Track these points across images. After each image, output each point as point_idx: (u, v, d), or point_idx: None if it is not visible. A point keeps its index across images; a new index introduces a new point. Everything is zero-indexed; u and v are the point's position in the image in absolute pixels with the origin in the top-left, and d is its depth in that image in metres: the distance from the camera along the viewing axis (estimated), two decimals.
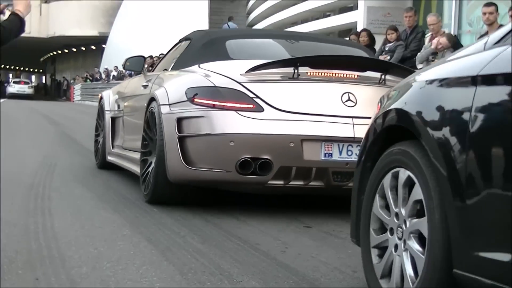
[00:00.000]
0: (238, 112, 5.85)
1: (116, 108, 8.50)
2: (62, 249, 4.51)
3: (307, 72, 6.05)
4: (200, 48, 6.94)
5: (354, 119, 5.89)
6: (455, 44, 11.32)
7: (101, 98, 9.22)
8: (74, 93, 52.87)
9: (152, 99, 6.51)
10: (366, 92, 6.06)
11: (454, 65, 3.39)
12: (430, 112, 3.23)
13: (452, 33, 15.25)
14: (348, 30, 22.54)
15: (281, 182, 5.95)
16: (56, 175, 7.95)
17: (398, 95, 3.64)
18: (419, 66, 11.41)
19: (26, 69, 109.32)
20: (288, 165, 5.85)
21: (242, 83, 5.96)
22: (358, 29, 18.20)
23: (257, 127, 5.81)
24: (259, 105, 5.87)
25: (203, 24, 37.95)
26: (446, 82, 3.25)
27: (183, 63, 6.96)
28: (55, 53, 77.70)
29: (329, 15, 26.70)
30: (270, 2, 33.04)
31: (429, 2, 17.91)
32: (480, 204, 2.85)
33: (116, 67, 40.16)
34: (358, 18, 19.74)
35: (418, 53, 11.62)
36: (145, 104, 6.76)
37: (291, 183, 5.96)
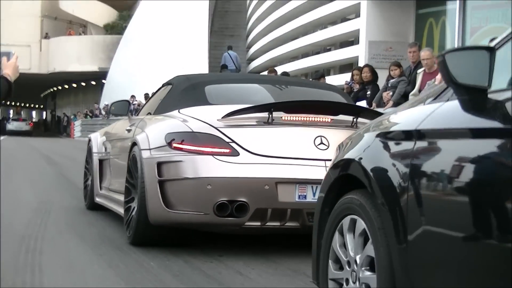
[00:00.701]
0: (215, 156, 6.18)
1: (104, 150, 8.85)
2: None
3: (281, 117, 6.40)
4: (180, 93, 7.30)
5: (326, 161, 6.20)
6: None
7: (90, 140, 9.56)
8: (74, 129, 53.23)
9: (134, 143, 6.86)
10: (338, 135, 6.38)
11: (398, 119, 3.76)
12: (376, 163, 3.58)
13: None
14: (349, 65, 22.78)
15: (258, 224, 6.28)
16: (50, 224, 8.06)
17: (350, 145, 4.00)
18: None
19: (27, 105, 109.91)
20: (264, 207, 6.17)
21: (219, 128, 6.30)
22: (360, 63, 18.48)
23: (233, 171, 6.14)
24: (235, 149, 6.20)
25: (203, 58, 38.42)
26: (391, 135, 3.60)
27: (165, 108, 7.30)
28: (55, 88, 78.21)
29: (329, 49, 26.99)
30: (269, 37, 33.44)
31: (431, 36, 18.17)
32: (424, 254, 3.14)
33: None
34: (359, 52, 19.98)
35: (422, 92, 11.86)
36: (128, 148, 7.08)
37: (267, 224, 6.28)
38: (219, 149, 6.24)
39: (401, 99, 12.87)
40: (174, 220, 6.35)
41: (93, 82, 61.76)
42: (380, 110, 13.15)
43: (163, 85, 8.26)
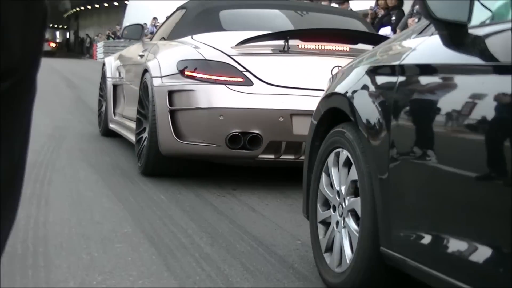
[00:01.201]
0: (228, 86, 5.94)
1: (117, 76, 8.60)
2: (50, 255, 4.06)
3: (297, 45, 6.13)
4: (194, 18, 7.01)
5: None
6: None
7: (104, 64, 9.30)
8: (97, 51, 52.96)
9: (146, 70, 6.61)
10: None
11: (386, 53, 3.66)
12: (363, 97, 3.51)
13: None
14: None
15: (272, 156, 6.07)
16: (63, 151, 7.89)
17: (341, 78, 3.92)
18: None
19: (51, 25, 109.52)
20: (278, 139, 5.95)
21: (232, 56, 6.04)
22: None
23: (246, 102, 5.90)
24: (249, 78, 5.95)
25: None
26: (377, 70, 3.52)
27: (178, 33, 7.04)
28: (78, 9, 77.73)
29: None
30: None
31: None
32: (403, 185, 3.11)
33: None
34: None
35: None
36: (140, 75, 6.85)
37: (282, 157, 6.05)
38: (233, 78, 5.98)
39: None
40: (185, 152, 6.14)
41: (116, 3, 61.29)
42: None
43: (177, 9, 7.96)
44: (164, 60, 6.43)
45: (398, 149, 3.11)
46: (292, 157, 6.10)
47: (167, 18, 8.39)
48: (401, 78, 3.15)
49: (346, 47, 6.21)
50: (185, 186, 6.21)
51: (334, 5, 16.12)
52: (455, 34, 2.88)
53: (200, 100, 5.99)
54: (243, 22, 6.94)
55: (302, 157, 6.08)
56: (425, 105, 2.98)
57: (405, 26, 13.05)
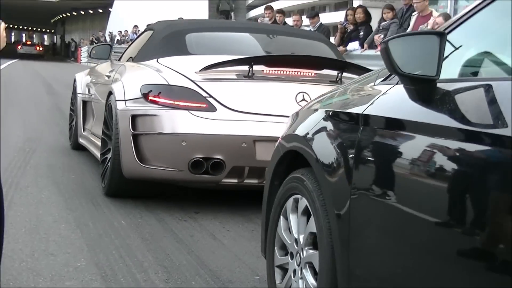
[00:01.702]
0: (191, 111, 5.54)
1: (87, 92, 8.15)
2: None
3: (262, 70, 5.74)
4: (160, 40, 6.60)
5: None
6: None
7: (75, 80, 8.85)
8: (81, 55, 52.40)
9: (111, 92, 6.17)
10: (322, 91, 5.69)
11: (348, 98, 3.28)
12: (323, 144, 3.11)
13: (448, 7, 14.79)
14: (344, 2, 22.04)
15: (235, 181, 5.69)
16: (30, 167, 7.38)
17: (300, 119, 3.53)
18: None
19: (39, 29, 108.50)
20: (241, 165, 5.56)
21: (196, 82, 5.64)
22: (354, 2, 17.77)
23: (209, 127, 5.50)
24: (212, 104, 5.55)
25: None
26: (339, 116, 3.09)
27: (144, 55, 6.63)
28: (64, 15, 77.05)
29: None
30: None
31: None
32: (364, 245, 2.73)
33: (120, 31, 39.75)
34: None
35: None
36: (106, 96, 6.43)
37: (245, 181, 5.65)
38: (196, 103, 5.58)
39: None
40: (148, 176, 5.73)
41: (100, 10, 60.74)
42: (371, 52, 12.44)
43: (145, 29, 7.53)
44: (129, 84, 6.00)
45: (360, 206, 2.72)
46: (255, 181, 5.70)
47: (137, 36, 7.95)
48: (365, 130, 2.75)
49: (311, 72, 5.83)
50: (148, 208, 5.79)
51: (304, 19, 15.82)
52: (422, 89, 2.49)
53: (163, 125, 5.58)
54: (209, 45, 6.53)
55: None
56: (390, 161, 2.58)
57: (372, 41, 12.71)
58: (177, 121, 5.54)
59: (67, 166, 7.66)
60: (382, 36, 12.45)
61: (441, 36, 2.41)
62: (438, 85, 2.43)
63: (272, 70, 5.76)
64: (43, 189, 6.38)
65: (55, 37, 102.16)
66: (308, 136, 3.23)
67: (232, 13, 30.74)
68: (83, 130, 8.14)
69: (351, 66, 5.99)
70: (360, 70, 5.95)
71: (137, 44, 7.39)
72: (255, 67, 5.68)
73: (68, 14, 74.57)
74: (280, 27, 9.04)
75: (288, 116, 5.57)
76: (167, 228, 5.27)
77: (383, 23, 12.70)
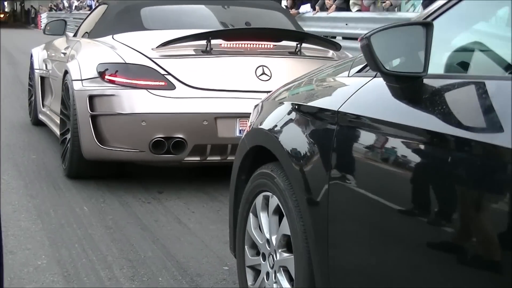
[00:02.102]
0: (149, 90, 5.10)
1: (44, 68, 7.61)
2: None
3: (220, 44, 5.30)
4: (115, 16, 6.11)
5: (269, 93, 5.15)
6: None
7: (31, 55, 8.29)
8: (41, 21, 51.02)
9: (66, 71, 5.68)
10: (281, 64, 5.34)
11: (319, 90, 2.85)
12: (293, 139, 2.71)
13: None
14: None
15: (198, 159, 5.29)
16: None
17: (266, 112, 3.09)
18: (368, 8, 10.64)
19: None
20: (203, 143, 5.17)
21: (153, 59, 5.20)
22: None
23: (168, 106, 5.08)
24: (171, 82, 5.12)
25: None
26: (311, 110, 2.67)
27: (99, 32, 6.14)
28: None
29: None
30: None
31: None
32: (343, 245, 2.39)
33: None
34: None
35: None
36: (62, 75, 5.94)
37: (208, 159, 5.26)
38: (154, 82, 5.14)
39: (343, 4, 11.75)
40: (108, 157, 5.31)
41: None
42: (323, 14, 12.04)
43: (99, 3, 7.02)
44: (84, 62, 5.52)
45: (337, 203, 2.35)
46: (218, 158, 5.32)
47: (91, 11, 7.42)
48: (341, 129, 2.36)
49: (269, 44, 5.41)
50: (110, 190, 5.38)
51: None
52: (407, 87, 2.10)
53: (121, 105, 5.14)
54: (165, 20, 6.05)
55: (229, 158, 5.33)
56: (371, 165, 2.22)
57: (323, 4, 12.30)
58: (136, 101, 5.11)
59: (27, 144, 7.18)
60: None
61: (428, 26, 2.03)
62: (425, 81, 2.05)
63: (230, 44, 5.33)
64: (3, 173, 5.90)
65: (15, 4, 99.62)
66: (276, 130, 2.83)
67: None
68: (43, 106, 7.63)
69: (309, 37, 5.58)
70: (319, 40, 5.56)
71: (92, 19, 6.87)
72: (213, 42, 5.25)
73: None
74: None
75: (249, 91, 5.20)
76: (131, 212, 4.87)
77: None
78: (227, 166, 5.60)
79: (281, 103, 2.94)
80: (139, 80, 5.13)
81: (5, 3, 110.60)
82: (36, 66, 8.00)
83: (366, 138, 2.23)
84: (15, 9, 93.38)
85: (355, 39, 11.25)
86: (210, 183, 5.63)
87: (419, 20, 2.18)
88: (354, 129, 2.31)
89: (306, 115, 2.67)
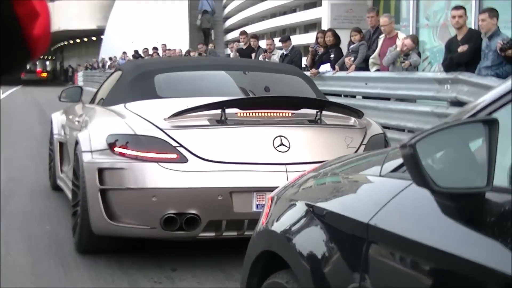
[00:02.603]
0: (160, 163, 4.49)
1: (63, 133, 7.05)
2: None
3: (236, 113, 4.70)
4: (128, 83, 5.55)
5: (287, 165, 4.53)
6: (417, 44, 10.05)
7: (51, 120, 7.76)
8: (78, 79, 51.40)
9: (77, 142, 5.10)
10: (301, 134, 4.72)
11: (341, 189, 2.22)
12: (313, 250, 2.08)
13: (410, 27, 13.85)
14: (314, 24, 20.99)
15: (213, 234, 4.63)
16: (5, 217, 6.16)
17: (278, 210, 2.45)
18: (387, 68, 10.08)
19: (41, 57, 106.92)
20: (218, 219, 4.54)
21: (165, 130, 4.60)
22: (323, 24, 16.81)
23: (181, 180, 4.46)
24: (183, 155, 4.51)
25: (184, 19, 36.04)
26: (332, 217, 2.05)
27: (112, 99, 5.58)
28: (62, 44, 75.94)
29: (295, 10, 24.99)
30: None
31: (387, 2, 16.31)
32: None
33: (110, 57, 38.61)
34: (322, 14, 18.07)
35: (384, 58, 10.15)
36: (73, 145, 5.36)
37: (224, 234, 4.62)
38: (165, 154, 4.54)
39: (363, 63, 11.15)
40: (118, 233, 4.70)
41: (94, 38, 59.58)
42: (343, 73, 11.45)
43: (115, 69, 6.47)
44: (95, 132, 4.96)
45: None
46: (234, 233, 4.68)
47: (108, 77, 6.88)
48: (374, 245, 1.75)
49: (288, 113, 4.81)
50: (121, 267, 4.76)
51: (277, 43, 14.76)
52: (465, 207, 1.48)
53: (131, 179, 4.55)
54: (179, 87, 5.48)
55: (247, 233, 4.70)
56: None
57: (343, 64, 11.72)
58: (146, 175, 4.51)
59: (43, 213, 6.58)
60: (353, 58, 11.50)
61: (491, 124, 1.40)
62: (488, 196, 1.41)
63: (246, 113, 4.74)
64: (12, 247, 5.31)
65: (56, 63, 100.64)
66: (290, 234, 2.20)
67: (212, 31, 29.86)
68: (61, 172, 7.06)
69: (330, 105, 4.97)
70: (340, 108, 4.96)
71: (108, 85, 6.32)
72: (228, 111, 4.66)
73: (66, 43, 73.50)
74: (253, 62, 7.94)
75: (266, 164, 4.57)
76: None
77: (352, 45, 11.76)
78: (244, 239, 4.99)
79: (294, 203, 2.30)
80: (150, 152, 4.54)
81: (47, 63, 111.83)
82: (55, 131, 7.46)
83: (410, 265, 1.58)
84: (56, 68, 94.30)
85: (375, 98, 10.67)
86: (226, 258, 4.98)
87: (479, 117, 1.53)
88: (391, 249, 1.67)
89: (327, 220, 2.03)
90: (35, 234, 5.73)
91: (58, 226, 6.05)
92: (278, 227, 2.29)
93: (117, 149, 4.64)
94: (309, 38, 18.16)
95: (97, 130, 4.97)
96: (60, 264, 4.87)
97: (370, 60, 10.87)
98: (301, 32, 23.04)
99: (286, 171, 4.52)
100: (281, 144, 4.60)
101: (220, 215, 4.52)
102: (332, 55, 12.31)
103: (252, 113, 4.73)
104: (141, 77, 5.50)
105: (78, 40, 67.15)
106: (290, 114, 4.82)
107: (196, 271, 4.70)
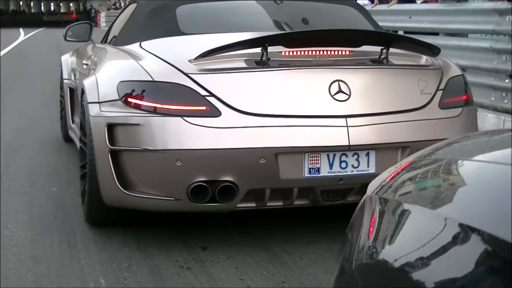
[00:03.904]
0: (186, 118, 3.46)
1: (73, 78, 6.03)
2: None
3: (280, 53, 3.64)
4: (145, 17, 4.47)
5: (348, 118, 3.48)
6: None
7: (61, 63, 6.74)
8: (100, 20, 50.34)
9: (83, 90, 4.08)
10: (363, 77, 3.66)
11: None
12: None
13: None
14: None
15: (253, 205, 3.62)
16: (7, 177, 5.28)
17: (389, 223, 1.37)
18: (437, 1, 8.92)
19: None
20: (260, 187, 3.52)
21: (191, 75, 3.55)
22: None
23: (212, 139, 3.43)
24: (214, 106, 3.48)
25: None
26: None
27: (126, 38, 4.53)
28: None
29: None
30: None
31: None
32: None
33: None
34: None
35: None
36: (80, 94, 4.35)
37: (267, 204, 3.61)
38: (192, 106, 3.51)
39: None
40: (134, 206, 3.71)
41: None
42: (384, 7, 10.28)
43: (129, 2, 5.40)
44: (103, 80, 3.92)
45: None
46: (280, 203, 3.67)
47: (121, 10, 5.79)
48: None
49: (346, 51, 3.74)
50: (140, 246, 3.80)
51: None
52: None
53: (149, 138, 3.52)
54: (207, 21, 4.40)
55: (296, 202, 3.70)
56: None
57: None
58: (168, 133, 3.48)
59: (52, 171, 5.62)
60: None
61: None
62: None
63: (293, 52, 3.67)
64: (11, 218, 4.36)
65: (79, 4, 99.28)
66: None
67: None
68: (72, 122, 6.07)
69: (400, 40, 3.87)
70: (412, 44, 3.86)
71: (121, 21, 5.25)
72: (270, 49, 3.59)
73: None
74: None
75: (321, 117, 3.53)
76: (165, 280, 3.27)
77: None
78: (294, 208, 3.98)
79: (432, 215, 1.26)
80: (172, 104, 3.50)
81: (71, 4, 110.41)
82: (65, 75, 6.46)
83: None
84: (79, 9, 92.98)
85: (420, 33, 9.50)
86: (270, 232, 3.98)
87: None
88: None
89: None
90: (39, 199, 4.77)
91: (67, 187, 5.09)
92: (397, 253, 1.26)
93: (131, 100, 3.61)
94: None
95: (106, 76, 3.94)
96: (66, 242, 3.90)
97: None
98: None
99: (347, 125, 3.47)
100: (340, 91, 3.54)
101: (263, 183, 3.50)
102: None
103: (301, 51, 3.66)
104: (160, 10, 4.41)
105: None
106: (348, 53, 3.75)
107: (231, 251, 3.72)
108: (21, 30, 43.19)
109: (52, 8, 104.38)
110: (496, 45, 7.69)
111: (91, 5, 66.49)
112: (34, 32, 39.56)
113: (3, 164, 5.78)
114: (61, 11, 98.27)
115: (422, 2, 9.63)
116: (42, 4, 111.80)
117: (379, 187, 1.56)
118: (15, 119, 8.24)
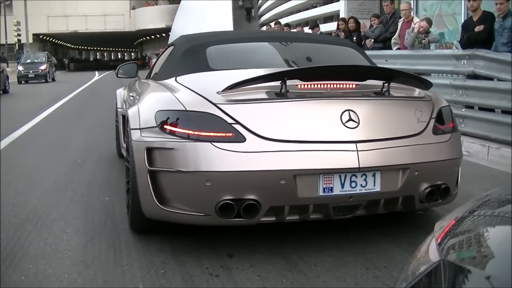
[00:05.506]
0: (214, 143, 2.78)
1: (124, 107, 5.37)
2: None
3: (297, 85, 2.96)
4: (180, 56, 3.81)
5: (358, 143, 2.79)
6: (431, 25, 8.35)
7: (116, 95, 6.10)
8: (152, 63, 50.05)
9: (127, 119, 3.43)
10: (370, 107, 2.98)
11: None
12: None
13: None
14: (330, 17, 19.35)
15: (273, 219, 2.93)
16: (70, 190, 4.63)
17: None
18: (407, 49, 8.28)
19: (127, 49, 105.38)
20: (280, 204, 2.82)
21: (219, 105, 2.89)
22: (340, 15, 15.36)
23: (238, 162, 2.76)
24: (240, 133, 2.81)
25: (228, 17, 33.83)
26: None
27: (164, 73, 3.87)
28: (141, 39, 74.74)
29: (315, 6, 23.23)
30: None
31: None
32: None
33: None
34: (340, 7, 16.73)
35: (405, 40, 8.41)
36: (126, 121, 3.69)
37: (286, 218, 2.92)
38: (220, 133, 2.85)
39: (381, 44, 9.37)
40: (169, 219, 3.04)
41: (164, 34, 58.12)
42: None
43: (168, 45, 4.76)
44: (144, 108, 3.28)
45: None
46: (297, 217, 3.00)
47: (162, 52, 5.16)
48: None
49: (352, 84, 3.07)
50: (175, 253, 3.13)
51: (306, 30, 12.93)
52: None
53: (182, 161, 2.87)
54: (233, 59, 3.74)
55: (312, 217, 3.02)
56: None
57: (365, 48, 9.87)
58: (199, 156, 2.83)
59: (106, 182, 4.98)
60: (372, 40, 9.66)
61: None
62: None
63: (308, 85, 3.01)
64: (69, 224, 3.72)
65: (138, 53, 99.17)
66: None
67: (252, 10, 27.88)
68: (124, 142, 5.41)
69: (400, 75, 3.20)
70: (409, 79, 3.19)
71: (161, 60, 4.61)
72: (289, 83, 2.94)
73: (144, 39, 72.23)
74: (305, 34, 6.01)
75: (334, 142, 2.85)
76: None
77: (372, 28, 9.92)
78: (308, 222, 3.30)
79: None
80: (203, 131, 2.85)
81: (132, 54, 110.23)
82: (118, 105, 5.82)
83: None
84: (137, 57, 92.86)
85: None
86: (288, 243, 3.30)
87: None
88: None
89: None
90: (93, 208, 4.12)
91: (117, 197, 4.43)
92: None
93: (166, 127, 2.96)
94: (328, 27, 16.50)
95: (146, 106, 3.29)
96: (112, 248, 3.25)
97: (392, 41, 9.06)
98: (321, 23, 21.09)
99: (357, 150, 2.81)
100: (350, 119, 2.87)
101: (283, 201, 2.84)
102: (354, 38, 10.44)
103: (315, 84, 3.00)
104: (192, 50, 3.77)
105: (152, 36, 66.08)
106: (354, 86, 3.09)
107: (254, 258, 3.04)
108: (96, 72, 42.83)
109: (119, 57, 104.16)
110: (455, 82, 7.16)
111: (145, 53, 66.49)
112: (105, 73, 39.07)
113: (70, 176, 5.15)
114: (125, 58, 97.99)
115: (396, 49, 8.97)
116: (112, 54, 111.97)
117: (447, 250, 0.89)
118: (84, 139, 7.62)
